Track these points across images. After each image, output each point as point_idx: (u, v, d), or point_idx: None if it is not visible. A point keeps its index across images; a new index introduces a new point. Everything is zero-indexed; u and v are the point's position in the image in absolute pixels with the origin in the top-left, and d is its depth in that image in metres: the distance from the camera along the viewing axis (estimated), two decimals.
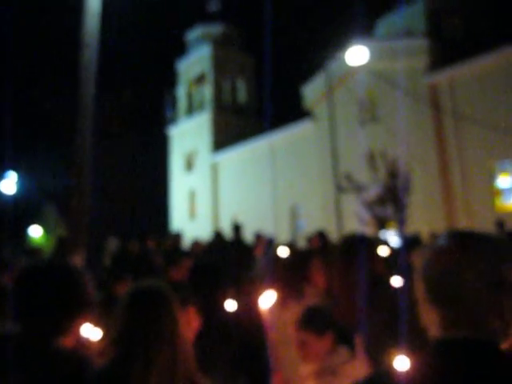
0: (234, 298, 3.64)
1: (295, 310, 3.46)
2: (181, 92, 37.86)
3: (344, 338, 2.92)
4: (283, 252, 5.96)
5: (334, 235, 13.00)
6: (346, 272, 3.06)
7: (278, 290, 3.85)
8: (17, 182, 16.71)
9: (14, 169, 16.37)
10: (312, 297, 3.69)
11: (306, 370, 2.90)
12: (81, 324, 1.98)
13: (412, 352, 1.45)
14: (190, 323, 2.83)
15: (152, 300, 2.10)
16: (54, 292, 1.89)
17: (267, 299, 2.80)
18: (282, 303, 3.70)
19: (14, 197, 16.77)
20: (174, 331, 2.07)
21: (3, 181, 16.10)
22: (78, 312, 1.93)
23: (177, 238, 10.31)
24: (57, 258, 8.29)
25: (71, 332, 1.90)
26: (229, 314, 3.46)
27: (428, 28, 23.94)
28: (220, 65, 35.49)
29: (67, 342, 1.88)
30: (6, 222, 14.95)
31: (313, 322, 2.85)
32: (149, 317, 2.04)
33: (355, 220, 18.09)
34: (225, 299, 3.58)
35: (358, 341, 2.90)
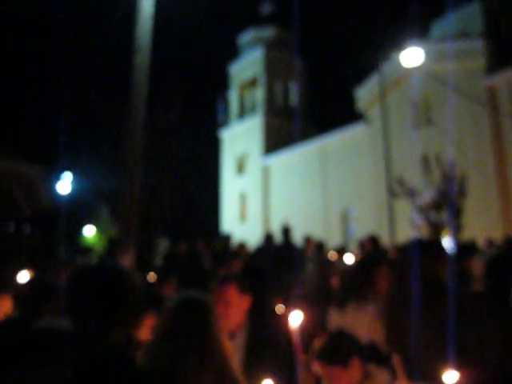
0: (282, 301, 3.60)
1: (355, 314, 3.37)
2: (233, 95, 38.07)
3: (379, 358, 2.77)
4: (350, 258, 5.93)
5: (386, 240, 12.75)
6: (405, 277, 2.94)
7: (340, 292, 3.76)
8: (72, 183, 17.10)
9: (70, 169, 16.77)
10: (372, 302, 3.58)
11: None
12: (131, 324, 1.98)
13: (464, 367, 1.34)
14: None
15: (198, 309, 2.25)
16: (104, 292, 1.91)
17: (296, 318, 2.69)
18: (340, 307, 3.64)
19: (68, 197, 17.17)
20: (219, 339, 2.19)
21: (59, 181, 16.51)
22: (127, 313, 1.93)
23: (226, 240, 10.30)
24: (108, 260, 8.42)
25: (122, 331, 1.90)
26: (278, 317, 3.41)
27: (485, 29, 23.27)
28: (272, 68, 35.49)
29: (118, 340, 1.86)
30: (61, 221, 15.32)
31: (334, 353, 2.67)
32: (197, 324, 2.17)
33: (408, 225, 17.70)
34: (274, 302, 3.55)
35: (397, 360, 2.76)
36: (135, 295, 1.96)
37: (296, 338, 2.66)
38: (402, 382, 2.65)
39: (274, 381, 2.48)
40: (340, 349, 2.68)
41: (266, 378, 2.48)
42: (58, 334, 1.93)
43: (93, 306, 1.86)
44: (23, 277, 3.86)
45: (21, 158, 13.55)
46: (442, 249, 3.31)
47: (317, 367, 2.70)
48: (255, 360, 2.91)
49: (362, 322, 3.35)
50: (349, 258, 6.15)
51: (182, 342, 2.06)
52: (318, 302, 4.30)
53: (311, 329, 2.89)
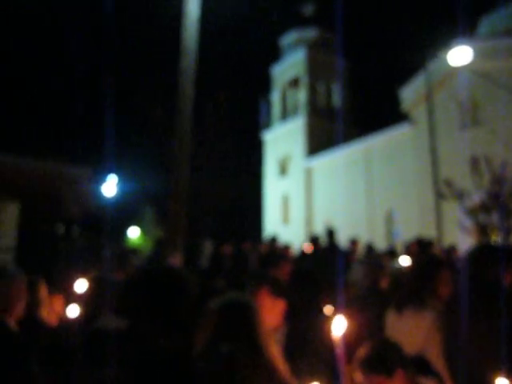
0: (331, 303, 3.57)
1: (412, 319, 3.30)
2: (275, 97, 38.10)
3: (427, 369, 2.69)
4: (405, 261, 5.86)
5: (433, 243, 12.48)
6: (471, 284, 2.87)
7: (395, 295, 3.69)
8: (117, 185, 17.36)
9: (115, 171, 17.03)
10: (432, 308, 3.49)
11: None
12: (187, 327, 1.97)
13: None
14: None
15: (243, 310, 2.27)
16: (161, 294, 1.92)
17: (340, 326, 2.63)
18: (398, 311, 3.57)
19: (114, 199, 17.44)
20: (266, 340, 2.20)
21: (104, 184, 16.78)
22: (185, 315, 1.94)
23: (272, 241, 10.30)
24: (156, 261, 8.52)
25: (178, 334, 1.90)
26: (326, 318, 3.38)
27: None
28: (314, 69, 35.36)
29: (174, 343, 1.86)
30: (106, 223, 15.59)
31: (378, 363, 2.58)
32: (243, 326, 2.19)
33: (456, 228, 17.32)
34: (324, 304, 3.52)
35: (440, 364, 2.68)
36: (192, 298, 1.97)
37: (339, 347, 2.61)
38: None
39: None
40: (385, 359, 2.59)
41: (313, 381, 2.45)
42: (114, 334, 1.94)
43: (148, 308, 1.87)
44: (81, 285, 3.94)
45: (68, 160, 13.88)
46: (501, 254, 3.21)
47: (358, 376, 2.63)
48: (293, 364, 2.88)
49: (420, 328, 3.27)
50: (404, 261, 6.06)
51: (233, 345, 2.05)
52: (367, 305, 4.25)
53: (357, 335, 2.84)
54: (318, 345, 3.07)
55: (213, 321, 2.16)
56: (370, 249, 9.30)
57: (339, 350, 2.58)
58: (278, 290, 3.12)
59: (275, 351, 2.27)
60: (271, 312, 3.02)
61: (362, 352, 2.67)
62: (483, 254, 3.13)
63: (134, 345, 1.81)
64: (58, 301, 4.49)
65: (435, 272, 3.68)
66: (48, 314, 4.04)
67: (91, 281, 3.75)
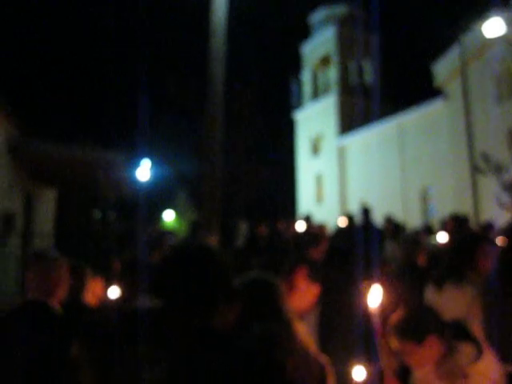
0: (368, 280, 3.55)
1: (452, 295, 3.28)
2: (306, 76, 37.79)
3: (465, 334, 2.65)
4: (443, 237, 5.82)
5: (470, 220, 12.30)
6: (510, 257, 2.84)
7: (439, 272, 3.67)
8: (151, 169, 17.54)
9: (149, 156, 17.20)
10: (473, 283, 3.46)
11: (426, 372, 2.66)
12: (227, 309, 1.94)
13: None
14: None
15: (266, 289, 2.28)
16: (195, 272, 1.88)
17: (376, 297, 2.62)
18: (438, 286, 3.55)
19: (148, 183, 17.64)
20: (292, 318, 2.22)
21: (138, 168, 16.97)
22: (223, 296, 1.90)
23: (306, 220, 10.29)
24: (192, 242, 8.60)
25: (217, 315, 1.87)
26: (363, 296, 3.38)
27: None
28: (345, 46, 34.89)
29: (214, 322, 1.85)
30: (141, 207, 15.80)
31: (409, 328, 2.59)
32: (267, 304, 2.21)
33: (493, 203, 17.00)
34: (360, 281, 3.52)
35: (479, 334, 2.65)
36: (226, 276, 1.96)
37: (376, 319, 2.61)
38: (488, 357, 2.55)
39: (363, 366, 2.44)
40: (417, 324, 2.60)
41: (356, 364, 2.45)
42: (149, 313, 1.95)
43: (179, 287, 1.84)
44: (118, 267, 4.03)
45: (102, 145, 14.08)
46: None
47: (394, 342, 2.64)
48: (328, 343, 2.89)
49: (460, 303, 3.25)
50: (442, 237, 6.04)
51: (264, 324, 2.04)
52: (404, 280, 4.23)
53: (394, 307, 2.83)
54: (353, 322, 3.07)
55: (239, 300, 2.13)
56: (397, 229, 9.21)
57: (376, 321, 2.59)
58: (315, 274, 3.11)
59: (303, 330, 2.27)
60: (305, 295, 3.02)
61: (395, 317, 2.68)
62: None
63: (168, 324, 1.81)
64: (98, 284, 4.60)
65: (474, 247, 3.63)
66: (90, 297, 4.15)
67: (126, 263, 3.82)
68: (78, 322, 2.83)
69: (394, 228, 9.37)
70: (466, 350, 2.57)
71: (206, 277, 1.88)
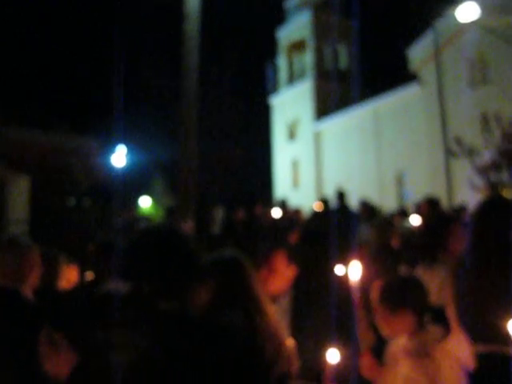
0: (342, 263, 3.57)
1: (424, 276, 3.32)
2: (281, 61, 37.68)
3: (438, 317, 2.71)
4: (416, 220, 5.91)
5: (444, 203, 12.46)
6: (481, 237, 2.88)
7: (411, 254, 3.72)
8: (126, 155, 17.38)
9: (124, 142, 17.02)
10: (445, 264, 3.50)
11: (396, 347, 2.75)
12: (199, 289, 1.96)
13: None
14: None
15: (233, 267, 2.28)
16: (166, 255, 1.87)
17: (356, 270, 2.66)
18: (410, 267, 3.61)
19: (124, 169, 17.48)
20: (261, 298, 2.22)
21: (113, 154, 16.80)
22: (189, 276, 1.89)
23: (282, 205, 10.32)
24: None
25: (183, 296, 1.86)
26: (338, 277, 3.40)
27: None
28: (320, 30, 34.81)
29: (172, 305, 1.83)
30: (116, 193, 15.66)
31: (388, 297, 2.66)
32: (234, 282, 2.21)
33: (466, 187, 17.23)
34: (334, 264, 3.53)
35: (452, 313, 2.72)
36: (195, 256, 1.94)
37: (355, 292, 2.64)
38: (455, 338, 2.62)
39: (336, 347, 2.45)
40: (395, 293, 2.68)
41: (330, 346, 2.46)
42: (113, 296, 1.92)
43: (146, 269, 1.83)
44: (92, 253, 4.01)
45: (76, 131, 13.89)
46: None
47: (374, 303, 2.72)
48: (301, 323, 2.91)
49: (432, 284, 3.29)
50: (415, 220, 6.13)
51: (231, 310, 2.05)
52: (378, 261, 4.27)
53: (370, 284, 2.88)
54: (326, 303, 3.09)
55: (211, 279, 2.15)
56: (378, 210, 9.33)
57: (355, 295, 2.62)
58: (292, 256, 3.13)
59: (273, 311, 2.27)
60: (283, 276, 3.04)
61: (380, 283, 2.75)
62: (492, 207, 3.13)
63: (136, 307, 1.79)
64: (72, 271, 4.57)
65: (446, 228, 3.69)
66: (65, 284, 4.12)
67: (99, 247, 3.80)
68: (48, 308, 2.80)
69: (369, 211, 9.45)
70: (432, 330, 2.63)
71: (173, 258, 1.86)
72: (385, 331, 2.72)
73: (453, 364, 2.56)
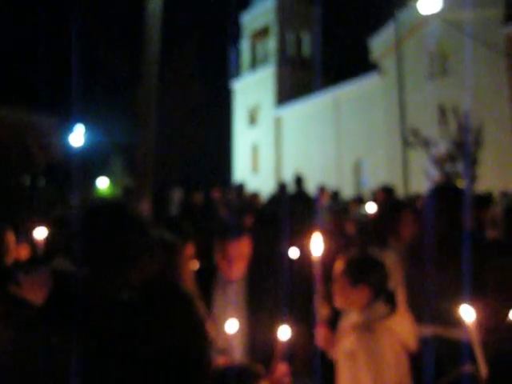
0: (297, 246, 3.60)
1: None
2: (244, 45, 37.52)
3: (387, 298, 2.82)
4: (371, 207, 6.00)
5: (400, 192, 12.71)
6: (432, 222, 2.97)
7: (362, 240, 3.80)
8: (84, 135, 17.07)
9: (83, 121, 16.71)
10: (394, 249, 3.59)
11: (347, 322, 2.88)
12: (149, 261, 1.89)
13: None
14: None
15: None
16: (115, 234, 1.81)
17: (317, 247, 2.73)
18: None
19: (81, 149, 17.18)
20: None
21: (71, 134, 16.49)
22: (140, 257, 1.83)
23: (240, 189, 10.34)
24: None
25: (136, 277, 1.82)
26: (291, 260, 3.44)
27: None
28: (284, 17, 34.74)
29: (112, 284, 1.80)
30: (74, 173, 15.40)
31: (352, 270, 2.79)
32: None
33: (422, 177, 17.60)
34: (288, 246, 3.56)
35: (401, 296, 2.83)
36: (149, 239, 1.90)
37: (316, 267, 2.69)
38: (400, 317, 2.73)
39: (288, 324, 2.49)
40: (360, 268, 2.80)
41: (283, 324, 2.49)
42: (70, 279, 1.88)
43: (86, 247, 1.79)
44: (40, 232, 3.89)
45: (35, 109, 13.55)
46: (462, 195, 3.32)
47: (336, 274, 2.83)
48: (258, 303, 2.95)
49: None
50: (370, 207, 6.22)
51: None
52: (332, 246, 4.33)
53: (328, 261, 2.94)
54: (280, 283, 3.12)
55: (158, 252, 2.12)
56: (335, 196, 9.45)
57: (316, 269, 2.67)
58: (253, 238, 3.15)
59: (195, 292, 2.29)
60: (244, 260, 3.04)
61: (348, 255, 2.88)
62: (443, 193, 3.23)
63: (87, 286, 1.75)
64: (23, 249, 4.47)
65: (396, 214, 3.79)
66: (14, 261, 4.02)
67: (51, 222, 3.72)
68: None
69: (332, 196, 9.58)
70: (378, 307, 2.74)
71: (121, 232, 1.82)
72: (339, 303, 2.84)
73: (393, 342, 2.68)
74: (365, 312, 2.75)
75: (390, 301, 2.76)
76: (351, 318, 2.84)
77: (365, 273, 2.78)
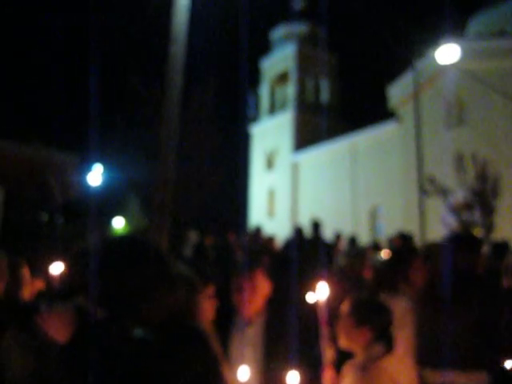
0: (313, 291, 3.59)
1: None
2: (264, 90, 38.09)
3: (386, 338, 2.83)
4: (386, 254, 6.01)
5: (416, 239, 12.61)
6: (440, 270, 2.98)
7: (373, 285, 3.79)
8: (103, 174, 17.29)
9: (101, 160, 16.96)
10: (406, 295, 3.58)
11: (349, 365, 2.90)
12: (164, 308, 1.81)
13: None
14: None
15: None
16: (126, 267, 1.74)
17: (323, 292, 2.76)
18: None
19: (99, 188, 17.37)
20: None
21: (90, 172, 16.71)
22: (156, 291, 1.77)
23: (257, 232, 10.33)
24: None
25: (153, 313, 1.76)
26: (309, 305, 3.42)
27: None
28: (303, 63, 35.38)
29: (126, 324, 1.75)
30: (91, 212, 15.51)
31: (357, 312, 2.85)
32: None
33: (439, 225, 17.48)
34: (305, 291, 3.54)
35: (407, 341, 2.83)
36: (172, 276, 1.83)
37: (322, 310, 2.71)
38: (396, 358, 2.77)
39: (297, 371, 2.47)
40: (365, 310, 2.85)
41: (290, 369, 2.47)
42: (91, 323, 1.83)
43: (99, 284, 1.73)
44: (56, 268, 3.90)
45: (54, 147, 13.79)
46: (478, 244, 3.32)
47: (342, 314, 2.87)
48: (274, 347, 2.94)
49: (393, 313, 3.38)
50: (385, 254, 6.24)
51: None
52: (349, 290, 4.31)
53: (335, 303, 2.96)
54: (293, 329, 3.11)
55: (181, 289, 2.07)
56: (352, 241, 9.41)
57: (322, 313, 2.69)
58: (269, 273, 3.18)
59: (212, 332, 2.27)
60: (262, 293, 3.07)
61: (355, 297, 2.96)
62: (457, 242, 3.23)
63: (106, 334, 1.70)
64: (39, 284, 4.48)
65: (407, 260, 3.79)
66: (30, 296, 4.03)
67: (67, 258, 3.72)
68: (12, 319, 2.75)
69: (349, 242, 9.55)
70: (375, 348, 2.78)
71: (133, 264, 1.76)
72: (342, 343, 2.87)
73: (387, 382, 2.71)
74: (365, 352, 2.80)
75: (388, 343, 2.78)
76: (353, 360, 2.88)
77: (369, 315, 2.83)
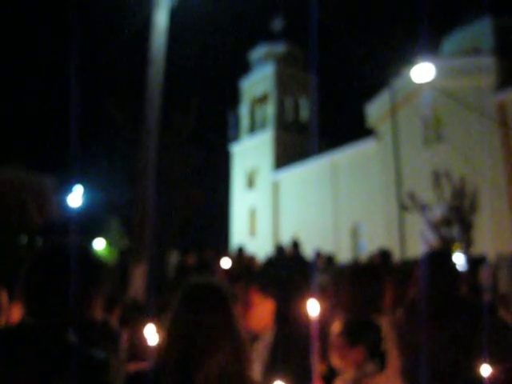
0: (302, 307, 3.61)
1: None
2: (244, 110, 38.29)
3: (379, 356, 2.86)
4: None
5: (396, 256, 12.71)
6: (420, 290, 3.03)
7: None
8: (83, 195, 17.20)
9: (81, 182, 16.88)
10: (389, 315, 3.61)
11: (340, 379, 2.91)
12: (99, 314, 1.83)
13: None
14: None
15: (209, 294, 2.01)
16: (65, 277, 1.74)
17: (314, 308, 2.77)
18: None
19: (79, 210, 17.26)
20: (231, 325, 1.97)
21: (70, 194, 16.62)
22: (95, 301, 1.79)
23: (239, 251, 10.33)
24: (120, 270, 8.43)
25: (90, 322, 1.78)
26: (299, 321, 3.45)
27: (495, 45, 23.28)
28: (283, 83, 35.69)
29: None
30: (71, 234, 15.38)
31: (349, 331, 2.86)
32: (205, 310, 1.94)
33: (419, 241, 17.65)
34: (303, 307, 3.57)
35: (394, 359, 2.86)
36: (106, 281, 1.87)
37: (313, 325, 2.73)
38: (386, 377, 2.78)
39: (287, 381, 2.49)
40: (359, 330, 2.87)
41: (278, 379, 2.48)
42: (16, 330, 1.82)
43: (53, 295, 1.76)
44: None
45: (33, 169, 13.70)
46: (453, 262, 3.37)
47: (333, 335, 2.89)
48: (281, 362, 2.98)
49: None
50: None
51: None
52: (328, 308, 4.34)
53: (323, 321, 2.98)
54: (297, 345, 3.13)
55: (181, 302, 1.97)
56: (330, 260, 9.48)
57: (313, 331, 2.70)
58: (267, 290, 3.20)
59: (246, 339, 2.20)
60: (260, 310, 3.09)
61: (345, 318, 2.96)
62: (434, 261, 3.28)
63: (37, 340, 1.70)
64: (17, 309, 4.43)
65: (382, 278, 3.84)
66: (7, 322, 3.99)
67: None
68: None
69: (326, 261, 9.60)
70: (367, 365, 2.80)
71: (69, 282, 1.75)
72: (336, 362, 2.89)
73: None
74: (356, 370, 2.81)
75: (380, 360, 2.81)
76: (344, 375, 2.89)
77: (362, 334, 2.86)
